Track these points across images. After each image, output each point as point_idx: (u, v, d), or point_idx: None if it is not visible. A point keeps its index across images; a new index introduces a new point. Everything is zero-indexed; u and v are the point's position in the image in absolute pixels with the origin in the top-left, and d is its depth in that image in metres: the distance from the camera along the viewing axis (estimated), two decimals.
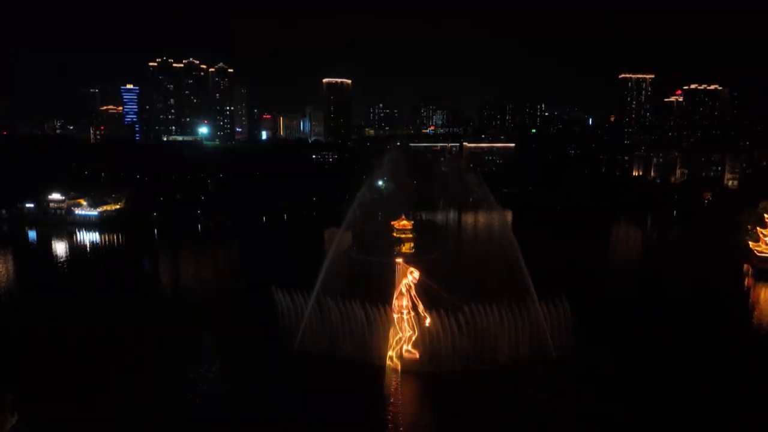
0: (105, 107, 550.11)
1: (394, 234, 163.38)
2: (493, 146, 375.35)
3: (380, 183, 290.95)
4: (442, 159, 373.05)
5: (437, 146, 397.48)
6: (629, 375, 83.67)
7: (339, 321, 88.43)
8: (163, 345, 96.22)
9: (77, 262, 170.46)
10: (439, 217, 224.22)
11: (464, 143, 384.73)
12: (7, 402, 54.38)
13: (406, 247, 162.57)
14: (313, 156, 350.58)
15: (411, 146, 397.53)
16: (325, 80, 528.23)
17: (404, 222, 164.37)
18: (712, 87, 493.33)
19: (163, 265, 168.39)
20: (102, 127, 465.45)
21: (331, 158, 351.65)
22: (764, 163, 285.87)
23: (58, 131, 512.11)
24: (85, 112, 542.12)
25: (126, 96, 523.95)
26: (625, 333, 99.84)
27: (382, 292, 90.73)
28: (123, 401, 75.16)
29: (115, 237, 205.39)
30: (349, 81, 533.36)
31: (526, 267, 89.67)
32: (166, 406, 74.82)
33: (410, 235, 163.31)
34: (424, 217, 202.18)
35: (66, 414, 68.24)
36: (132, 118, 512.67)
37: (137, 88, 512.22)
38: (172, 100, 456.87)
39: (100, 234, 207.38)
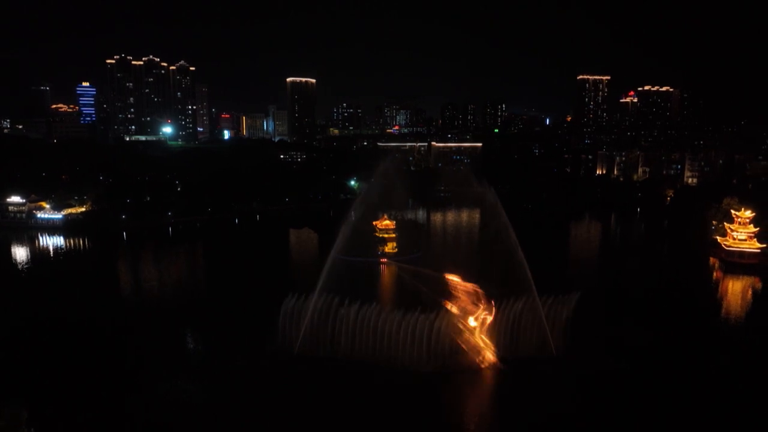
0: (56, 105, 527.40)
1: (377, 234, 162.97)
2: (461, 146, 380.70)
3: (352, 183, 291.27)
4: (410, 158, 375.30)
5: (405, 146, 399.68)
6: (626, 372, 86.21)
7: (345, 323, 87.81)
8: (154, 351, 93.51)
9: (43, 267, 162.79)
10: (409, 215, 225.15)
11: (432, 143, 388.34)
12: (22, 417, 51.85)
13: (389, 247, 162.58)
14: (281, 156, 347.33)
15: (379, 146, 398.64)
16: (289, 79, 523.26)
17: (387, 222, 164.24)
18: (665, 88, 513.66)
19: (135, 269, 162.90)
20: (60, 127, 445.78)
21: (299, 158, 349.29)
22: (720, 161, 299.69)
23: (6, 131, 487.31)
24: (34, 111, 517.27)
25: (82, 97, 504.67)
26: (616, 331, 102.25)
27: (371, 292, 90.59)
28: (126, 409, 73.47)
29: (81, 241, 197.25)
30: (314, 80, 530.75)
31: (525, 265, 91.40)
32: (168, 414, 72.98)
33: (393, 235, 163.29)
34: (398, 216, 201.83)
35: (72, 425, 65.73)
36: (90, 118, 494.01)
37: (94, 87, 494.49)
38: (131, 99, 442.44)
39: (65, 238, 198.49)
